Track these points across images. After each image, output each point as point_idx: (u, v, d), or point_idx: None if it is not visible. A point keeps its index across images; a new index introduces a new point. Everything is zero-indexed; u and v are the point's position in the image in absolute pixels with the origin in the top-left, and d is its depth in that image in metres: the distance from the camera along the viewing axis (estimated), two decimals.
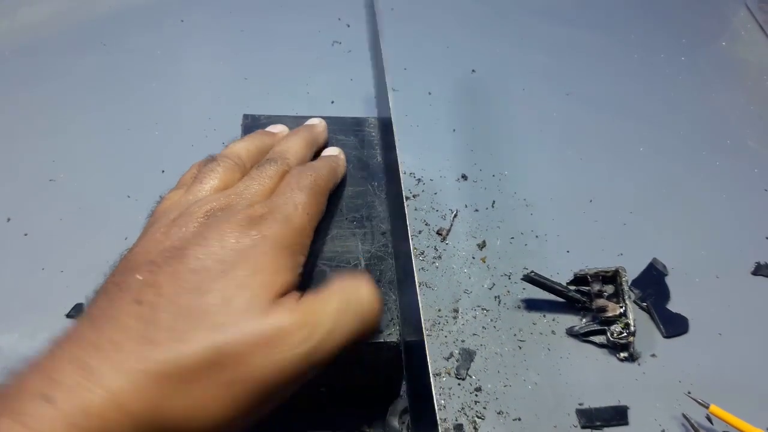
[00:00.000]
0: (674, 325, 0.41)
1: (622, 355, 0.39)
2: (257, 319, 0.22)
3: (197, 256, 0.23)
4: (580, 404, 0.37)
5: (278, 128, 0.36)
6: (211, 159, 0.30)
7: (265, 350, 0.22)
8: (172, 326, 0.21)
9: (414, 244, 0.45)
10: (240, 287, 0.23)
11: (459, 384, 0.37)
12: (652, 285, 0.44)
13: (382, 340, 0.28)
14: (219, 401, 0.21)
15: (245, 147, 0.32)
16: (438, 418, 0.26)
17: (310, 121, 0.37)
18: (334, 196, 0.34)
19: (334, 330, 0.24)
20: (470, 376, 0.37)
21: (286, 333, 0.22)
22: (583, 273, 0.41)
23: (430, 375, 0.25)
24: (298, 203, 0.27)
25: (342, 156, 0.36)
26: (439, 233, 0.46)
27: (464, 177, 0.51)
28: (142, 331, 0.21)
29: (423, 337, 0.26)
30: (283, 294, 0.24)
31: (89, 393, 0.18)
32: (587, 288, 0.41)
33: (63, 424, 0.18)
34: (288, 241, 0.26)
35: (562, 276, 0.43)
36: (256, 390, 0.22)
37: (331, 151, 0.36)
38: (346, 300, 0.25)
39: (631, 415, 0.36)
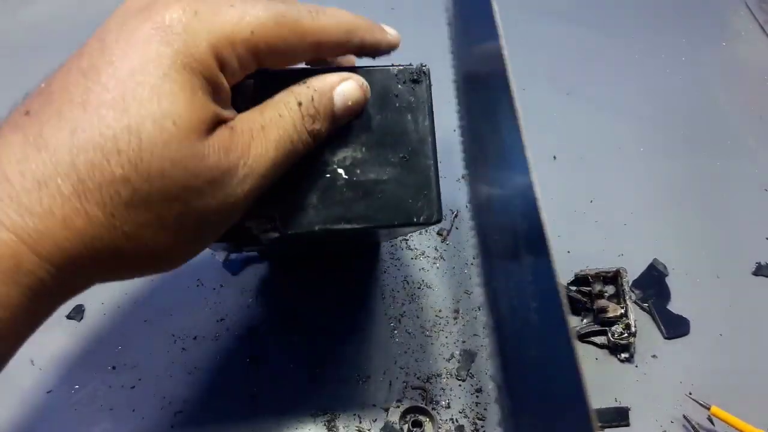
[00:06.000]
0: (675, 326, 0.41)
1: (623, 355, 0.39)
2: (179, 151, 0.21)
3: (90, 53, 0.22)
4: None
5: None
6: None
7: (194, 194, 0.21)
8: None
9: (414, 245, 0.45)
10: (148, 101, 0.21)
11: (460, 385, 0.37)
12: (653, 285, 0.44)
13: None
14: (150, 230, 0.21)
15: None
16: None
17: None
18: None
19: (277, 160, 0.23)
20: (471, 377, 0.37)
21: (222, 177, 0.21)
22: (583, 273, 0.41)
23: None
24: None
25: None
26: (439, 234, 0.46)
27: (464, 177, 0.51)
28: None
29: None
30: (212, 123, 0.22)
31: None
32: (588, 288, 0.41)
33: None
34: (199, 52, 0.21)
35: (563, 276, 0.43)
36: (191, 225, 0.21)
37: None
38: (293, 119, 0.24)
39: (633, 416, 0.36)
